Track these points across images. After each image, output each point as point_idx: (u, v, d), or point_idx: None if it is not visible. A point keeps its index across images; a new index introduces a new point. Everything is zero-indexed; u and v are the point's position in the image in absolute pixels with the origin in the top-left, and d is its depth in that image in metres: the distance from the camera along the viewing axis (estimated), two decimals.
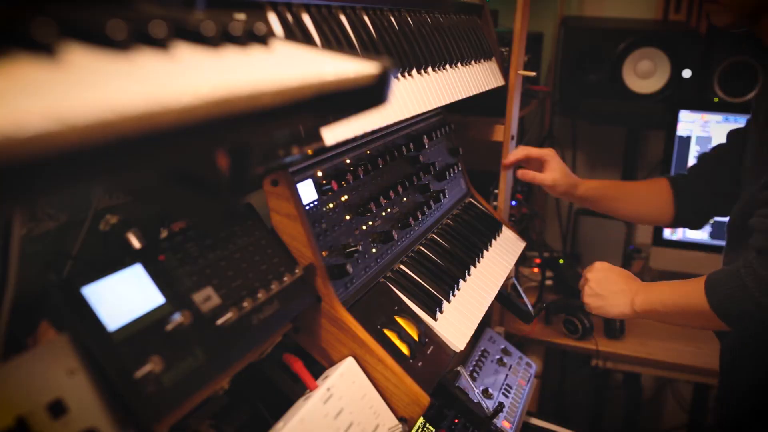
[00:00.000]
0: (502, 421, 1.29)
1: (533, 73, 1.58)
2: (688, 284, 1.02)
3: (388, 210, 1.14)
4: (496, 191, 1.61)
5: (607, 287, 1.12)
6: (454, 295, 1.15)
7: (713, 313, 0.96)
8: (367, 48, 0.93)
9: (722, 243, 1.22)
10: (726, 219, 1.19)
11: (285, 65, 0.40)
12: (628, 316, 1.10)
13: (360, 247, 0.99)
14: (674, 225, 1.37)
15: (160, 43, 0.34)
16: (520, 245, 1.50)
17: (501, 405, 1.10)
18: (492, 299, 1.24)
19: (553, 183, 1.35)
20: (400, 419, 0.88)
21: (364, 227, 1.06)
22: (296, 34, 0.78)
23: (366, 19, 0.96)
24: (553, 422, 1.57)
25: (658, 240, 2.20)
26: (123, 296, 0.62)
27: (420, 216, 1.22)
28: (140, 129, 0.26)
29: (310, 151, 0.93)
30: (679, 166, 2.05)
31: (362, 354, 0.89)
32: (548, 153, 1.36)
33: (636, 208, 1.38)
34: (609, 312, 1.12)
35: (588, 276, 1.16)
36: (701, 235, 2.06)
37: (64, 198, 0.78)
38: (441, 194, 1.31)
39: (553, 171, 1.35)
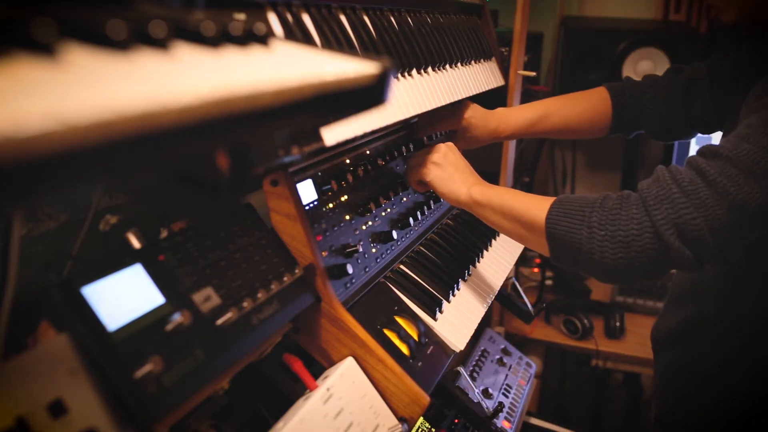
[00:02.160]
0: (502, 421, 1.29)
1: (533, 73, 1.58)
2: (537, 197, 0.95)
3: (388, 210, 1.14)
4: None
5: (452, 162, 1.08)
6: (454, 295, 1.15)
7: (543, 228, 0.89)
8: (367, 48, 0.93)
9: None
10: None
11: (285, 65, 0.40)
12: (459, 199, 1.04)
13: (360, 247, 0.99)
14: (610, 133, 1.30)
15: (160, 43, 0.34)
16: (520, 245, 1.50)
17: (501, 405, 1.10)
18: (492, 299, 1.24)
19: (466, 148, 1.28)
20: (400, 419, 0.88)
21: (364, 227, 1.06)
22: (296, 34, 0.78)
23: (366, 19, 0.96)
24: (553, 422, 1.57)
25: None
26: (123, 296, 0.62)
27: (420, 216, 1.22)
28: (140, 129, 0.26)
29: (310, 151, 0.93)
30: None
31: (362, 354, 0.89)
32: (455, 122, 1.26)
33: (571, 118, 1.28)
34: (443, 186, 1.06)
35: (435, 148, 1.11)
36: None
37: (64, 198, 0.78)
38: None
39: (462, 140, 1.28)
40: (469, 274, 1.24)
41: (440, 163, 1.09)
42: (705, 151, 0.84)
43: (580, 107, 1.28)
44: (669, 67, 1.26)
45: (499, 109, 1.30)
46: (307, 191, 0.93)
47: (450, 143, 1.14)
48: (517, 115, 1.29)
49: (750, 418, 1.03)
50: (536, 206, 0.92)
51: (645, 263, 0.82)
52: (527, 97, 2.04)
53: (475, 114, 1.26)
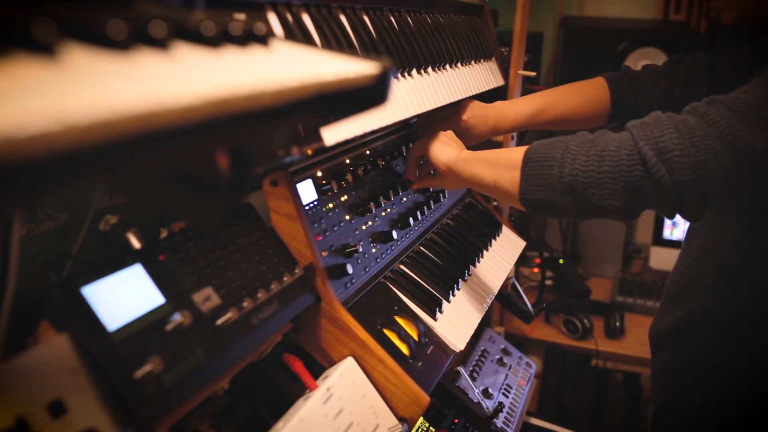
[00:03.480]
0: (501, 421, 1.29)
1: (533, 73, 1.58)
2: (521, 147, 0.95)
3: (388, 210, 1.14)
4: None
5: (451, 137, 1.11)
6: (454, 295, 1.15)
7: (521, 159, 0.87)
8: (367, 48, 0.93)
9: None
10: None
11: (285, 65, 0.40)
12: (448, 157, 1.03)
13: (360, 247, 0.99)
14: (609, 122, 1.27)
15: (160, 43, 0.34)
16: (520, 245, 1.50)
17: (501, 405, 1.10)
18: (492, 299, 1.24)
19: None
20: (400, 419, 0.88)
21: (364, 227, 1.06)
22: (296, 34, 0.78)
23: (366, 19, 0.96)
24: (553, 422, 1.57)
25: (658, 240, 2.20)
26: (123, 296, 0.62)
27: (420, 216, 1.22)
28: (140, 129, 0.26)
29: (310, 151, 0.93)
30: None
31: (362, 354, 0.89)
32: (454, 123, 1.26)
33: (570, 109, 1.26)
34: (436, 148, 1.07)
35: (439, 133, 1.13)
36: None
37: (64, 198, 0.78)
38: (441, 194, 1.31)
39: (462, 139, 1.23)
40: (469, 274, 1.23)
41: (439, 136, 1.10)
42: (701, 101, 0.83)
43: (579, 98, 1.28)
44: (670, 57, 1.26)
45: (498, 103, 1.28)
46: (307, 191, 0.93)
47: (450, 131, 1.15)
48: (516, 110, 1.27)
49: (749, 417, 1.03)
50: (514, 152, 0.91)
51: (615, 183, 0.78)
52: None
53: (473, 114, 1.26)
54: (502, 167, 0.93)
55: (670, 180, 0.76)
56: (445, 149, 1.06)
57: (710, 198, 0.78)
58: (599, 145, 0.81)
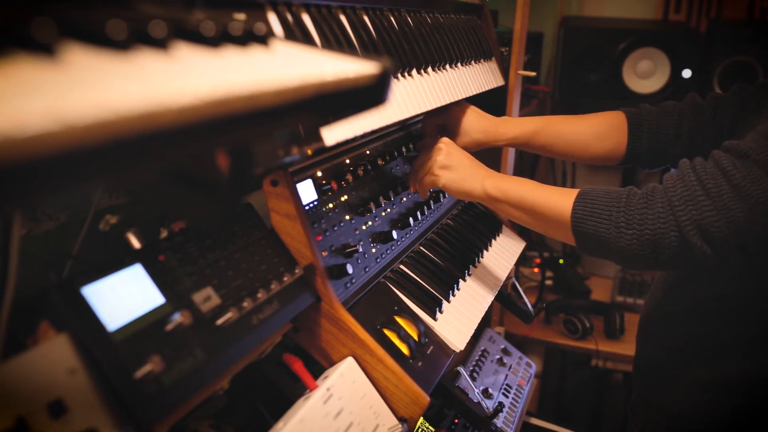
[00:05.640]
0: (501, 421, 1.29)
1: (533, 73, 1.58)
2: (554, 190, 0.97)
3: (388, 210, 1.14)
4: None
5: (458, 159, 1.07)
6: (454, 295, 1.15)
7: (569, 224, 0.93)
8: (367, 48, 0.93)
9: None
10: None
11: (285, 65, 0.40)
12: (475, 195, 1.04)
13: (360, 247, 0.99)
14: (625, 161, 1.23)
15: (160, 43, 0.34)
16: (520, 245, 1.50)
17: (501, 405, 1.10)
18: (492, 299, 1.24)
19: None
20: (400, 419, 0.88)
21: (364, 227, 1.06)
22: (296, 34, 0.78)
23: (366, 19, 0.96)
24: (553, 422, 1.58)
25: None
26: (123, 296, 0.62)
27: (420, 216, 1.22)
28: (140, 129, 0.26)
29: (310, 151, 0.93)
30: None
31: (362, 354, 0.89)
32: (450, 122, 1.23)
33: (581, 138, 1.22)
34: (456, 189, 1.05)
35: (436, 149, 1.09)
36: None
37: (64, 198, 0.78)
38: (441, 194, 1.31)
39: (453, 135, 1.23)
40: (469, 274, 1.23)
41: (447, 164, 1.07)
42: (731, 148, 0.86)
43: (590, 121, 1.24)
44: (689, 95, 1.23)
45: (504, 117, 1.28)
46: (307, 191, 0.93)
47: (446, 138, 1.12)
48: (522, 120, 1.25)
49: (734, 408, 1.03)
50: (558, 202, 0.95)
51: (671, 258, 0.87)
52: (527, 97, 2.04)
53: (467, 112, 1.24)
54: (548, 223, 0.98)
55: (714, 254, 0.85)
56: (465, 188, 1.05)
57: (749, 247, 0.86)
58: (648, 225, 0.87)
